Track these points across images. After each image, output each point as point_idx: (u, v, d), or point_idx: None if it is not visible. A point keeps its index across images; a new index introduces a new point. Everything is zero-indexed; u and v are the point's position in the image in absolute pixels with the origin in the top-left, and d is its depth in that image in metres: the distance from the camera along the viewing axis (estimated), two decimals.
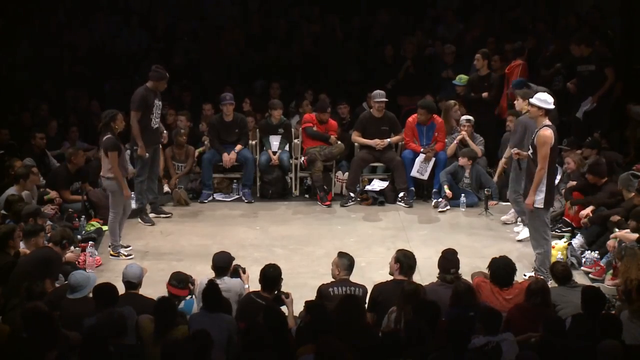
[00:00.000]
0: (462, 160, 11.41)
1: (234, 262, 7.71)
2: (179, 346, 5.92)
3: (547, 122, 8.53)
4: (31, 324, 6.16)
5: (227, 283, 7.41)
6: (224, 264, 7.57)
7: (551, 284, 7.80)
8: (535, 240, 8.79)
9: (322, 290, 7.32)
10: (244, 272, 7.76)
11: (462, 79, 12.46)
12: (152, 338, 6.40)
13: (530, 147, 8.66)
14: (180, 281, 7.49)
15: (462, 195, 11.28)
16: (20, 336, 6.11)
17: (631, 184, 9.42)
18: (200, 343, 5.91)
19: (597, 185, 9.90)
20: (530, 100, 8.67)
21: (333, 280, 7.46)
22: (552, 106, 8.57)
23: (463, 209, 11.21)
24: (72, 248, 8.45)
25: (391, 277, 7.46)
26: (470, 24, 14.50)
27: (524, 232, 9.87)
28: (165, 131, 10.99)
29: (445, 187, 11.29)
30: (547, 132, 8.44)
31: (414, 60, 13.62)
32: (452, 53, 13.49)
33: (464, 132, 11.65)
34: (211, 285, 6.90)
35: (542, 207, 8.59)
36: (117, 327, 6.28)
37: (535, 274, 8.62)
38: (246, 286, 7.67)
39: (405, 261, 7.41)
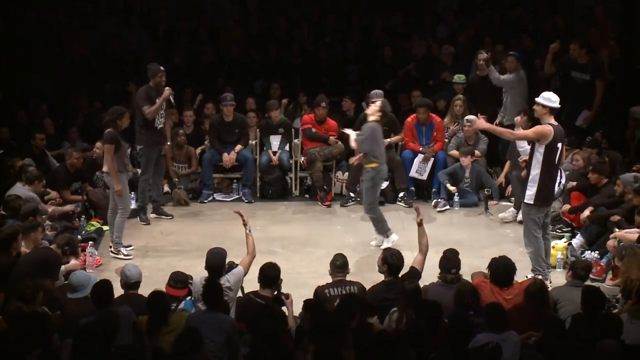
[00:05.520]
0: (466, 160, 11.39)
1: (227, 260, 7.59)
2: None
3: (552, 121, 8.54)
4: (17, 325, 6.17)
5: (230, 280, 7.33)
6: (220, 263, 7.42)
7: (552, 284, 7.81)
8: (527, 238, 8.78)
9: (319, 292, 7.33)
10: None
11: (460, 77, 12.46)
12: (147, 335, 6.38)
13: (530, 143, 8.68)
14: (178, 281, 7.45)
15: (456, 195, 11.28)
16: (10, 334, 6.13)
17: (634, 186, 9.41)
18: (192, 340, 5.86)
19: (597, 186, 9.89)
20: (536, 99, 8.71)
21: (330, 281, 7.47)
22: (557, 105, 8.59)
23: (464, 209, 11.22)
24: (72, 260, 8.41)
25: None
26: (466, 23, 14.47)
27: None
28: (168, 142, 10.88)
29: (447, 185, 11.29)
30: (545, 128, 8.47)
31: (418, 63, 13.59)
32: (451, 54, 13.47)
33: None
34: (211, 284, 6.88)
35: (532, 203, 8.59)
36: (109, 326, 6.19)
37: (534, 274, 8.61)
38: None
39: (393, 261, 7.43)
